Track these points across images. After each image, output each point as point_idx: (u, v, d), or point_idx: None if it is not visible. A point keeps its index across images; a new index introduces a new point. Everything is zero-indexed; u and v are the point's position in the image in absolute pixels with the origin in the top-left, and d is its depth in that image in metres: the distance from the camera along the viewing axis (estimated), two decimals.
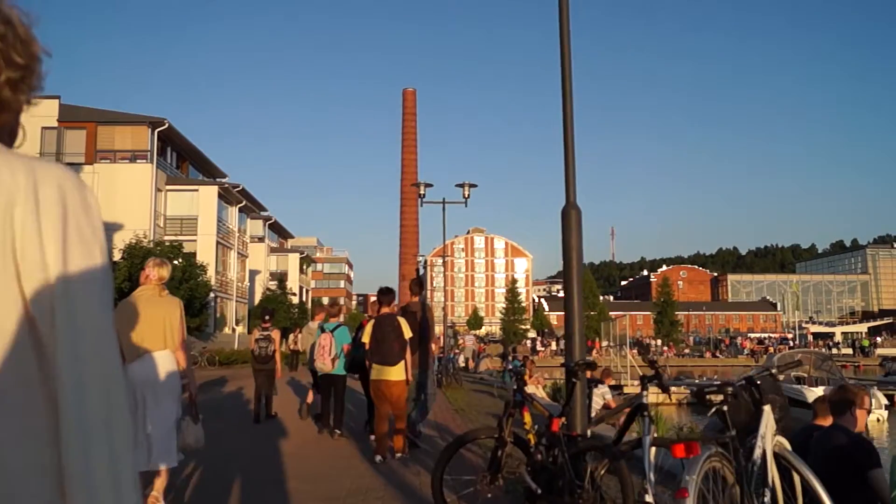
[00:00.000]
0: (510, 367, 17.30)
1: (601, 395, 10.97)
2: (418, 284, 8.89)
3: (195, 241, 36.91)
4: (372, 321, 7.59)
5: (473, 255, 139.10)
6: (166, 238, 33.18)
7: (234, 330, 40.86)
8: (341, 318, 9.81)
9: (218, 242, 38.47)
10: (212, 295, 36.59)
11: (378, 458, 7.16)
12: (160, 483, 4.83)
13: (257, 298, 48.70)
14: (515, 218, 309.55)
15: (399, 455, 7.37)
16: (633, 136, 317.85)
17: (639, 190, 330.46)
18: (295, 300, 53.85)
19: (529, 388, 16.82)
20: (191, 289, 28.60)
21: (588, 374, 8.38)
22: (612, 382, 11.28)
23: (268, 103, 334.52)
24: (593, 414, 10.03)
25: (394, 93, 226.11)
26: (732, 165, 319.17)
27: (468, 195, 19.69)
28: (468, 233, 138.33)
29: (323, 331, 9.06)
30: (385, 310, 7.57)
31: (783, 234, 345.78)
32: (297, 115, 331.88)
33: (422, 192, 19.82)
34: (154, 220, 34.78)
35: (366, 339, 7.48)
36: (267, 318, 11.73)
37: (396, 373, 7.22)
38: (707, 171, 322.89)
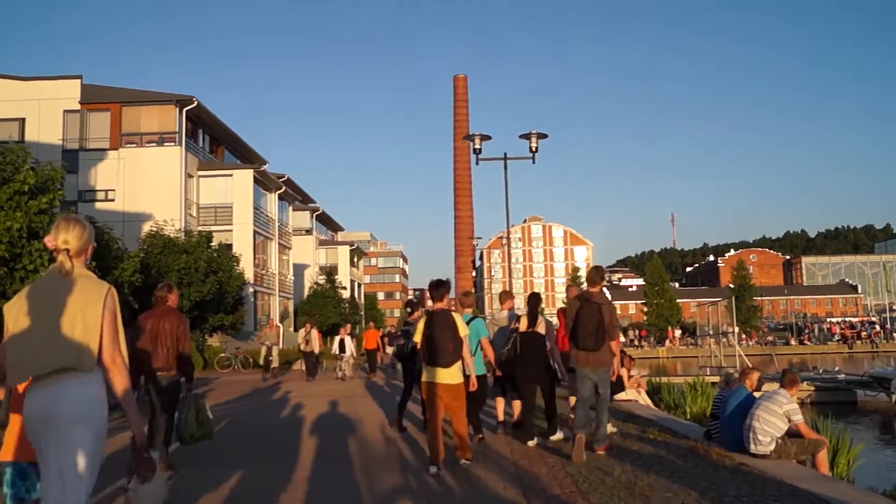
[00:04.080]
0: None
1: (784, 415, 6.77)
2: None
3: (230, 230, 33.85)
4: (424, 318, 6.92)
5: (531, 244, 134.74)
6: (199, 228, 30.10)
7: (279, 326, 37.78)
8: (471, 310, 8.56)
9: (255, 232, 35.29)
10: (250, 290, 33.48)
11: (433, 468, 6.56)
12: None
13: (305, 294, 45.76)
14: (575, 205, 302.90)
15: (465, 462, 6.72)
16: (691, 119, 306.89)
17: (698, 174, 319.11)
18: (345, 294, 50.78)
19: (628, 394, 12.69)
20: (220, 281, 25.29)
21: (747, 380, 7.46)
22: (796, 393, 6.98)
23: (317, 93, 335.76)
24: (768, 447, 6.44)
25: (445, 79, 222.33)
26: (794, 145, 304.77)
27: (536, 148, 15.66)
28: (524, 222, 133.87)
29: None
30: (438, 304, 6.93)
31: (854, 215, 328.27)
32: (346, 105, 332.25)
33: (477, 145, 15.85)
34: (185, 208, 31.79)
35: (417, 337, 6.90)
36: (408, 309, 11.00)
37: (452, 375, 6.64)
38: (768, 152, 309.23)
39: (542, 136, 15.60)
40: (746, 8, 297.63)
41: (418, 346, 6.85)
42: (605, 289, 7.77)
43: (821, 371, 26.43)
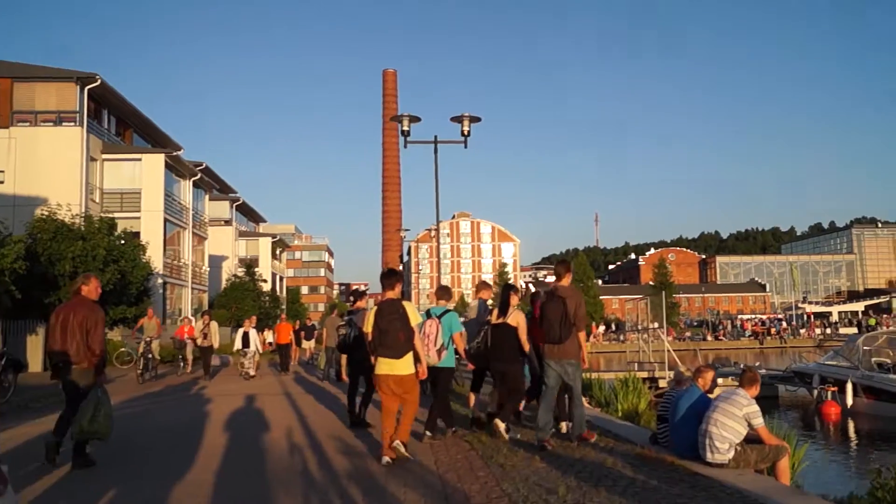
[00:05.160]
0: None
1: (743, 418, 5.99)
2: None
3: (138, 217, 31.50)
4: (374, 308, 6.75)
5: (459, 240, 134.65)
6: (102, 214, 27.70)
7: (191, 320, 35.47)
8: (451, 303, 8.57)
9: (167, 220, 33.00)
10: (159, 280, 31.26)
11: (385, 459, 6.42)
12: None
13: (222, 286, 43.52)
14: (501, 202, 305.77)
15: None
16: (613, 122, 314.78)
17: (620, 175, 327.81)
18: (266, 287, 48.69)
19: None
20: (122, 270, 23.24)
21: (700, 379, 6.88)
22: (755, 394, 6.20)
23: (244, 85, 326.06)
24: (727, 454, 6.06)
25: (374, 73, 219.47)
26: (710, 152, 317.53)
27: (468, 132, 14.65)
28: (453, 217, 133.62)
29: (429, 316, 7.90)
30: (389, 294, 6.73)
31: (763, 218, 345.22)
32: (274, 96, 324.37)
33: (405, 127, 14.68)
34: (86, 193, 29.26)
35: (367, 327, 6.70)
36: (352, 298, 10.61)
37: (403, 366, 6.49)
38: (684, 155, 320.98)
39: (474, 119, 14.58)
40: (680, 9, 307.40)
41: (369, 337, 6.64)
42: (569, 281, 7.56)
43: (741, 366, 26.64)
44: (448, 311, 8.08)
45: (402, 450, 6.56)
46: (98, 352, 6.63)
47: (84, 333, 6.50)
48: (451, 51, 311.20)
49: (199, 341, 18.64)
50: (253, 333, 18.31)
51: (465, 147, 15.01)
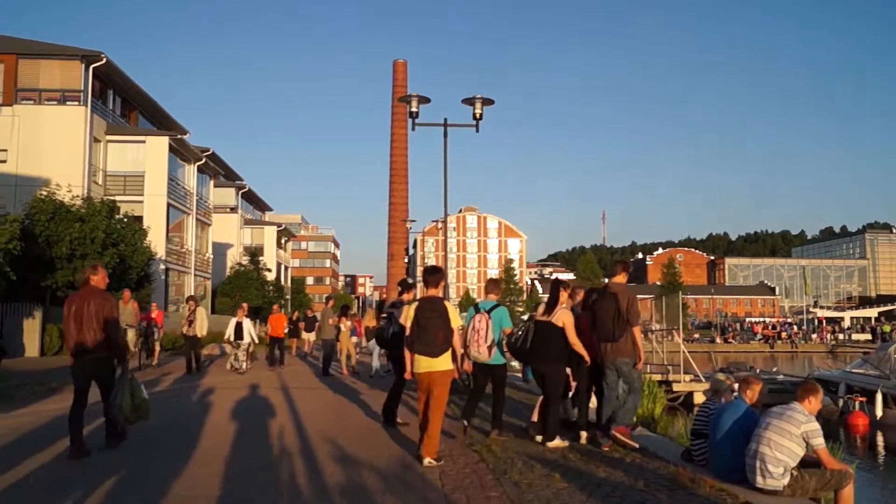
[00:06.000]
0: None
1: (801, 437, 5.18)
2: None
3: (141, 201, 30.78)
4: (414, 303, 6.55)
5: (465, 234, 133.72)
6: (105, 197, 26.97)
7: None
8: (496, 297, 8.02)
9: (170, 205, 32.29)
10: (161, 266, 30.60)
11: (427, 460, 6.19)
12: None
13: (226, 274, 42.85)
14: (509, 198, 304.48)
15: (429, 462, 6.21)
16: (624, 121, 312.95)
17: (628, 174, 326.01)
18: (271, 277, 48.02)
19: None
20: (121, 254, 22.53)
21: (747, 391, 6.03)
22: (816, 406, 5.39)
23: (257, 79, 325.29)
24: (781, 480, 5.26)
25: (384, 64, 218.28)
26: (721, 152, 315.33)
27: (480, 115, 13.84)
28: (460, 211, 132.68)
29: (477, 310, 7.69)
30: (432, 291, 6.58)
31: (772, 221, 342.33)
32: (285, 87, 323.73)
33: (414, 108, 13.86)
34: (89, 174, 28.58)
35: (406, 323, 6.54)
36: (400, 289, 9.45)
37: (440, 364, 6.31)
38: (694, 156, 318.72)
39: (487, 101, 13.78)
40: (691, 4, 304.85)
41: (406, 332, 6.51)
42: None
43: (758, 371, 25.75)
44: (498, 305, 7.77)
45: (432, 463, 6.26)
46: (116, 340, 6.68)
47: (100, 323, 6.46)
48: (459, 46, 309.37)
49: (184, 329, 16.51)
50: (247, 323, 16.89)
51: (477, 131, 14.15)
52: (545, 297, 8.81)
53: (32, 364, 18.21)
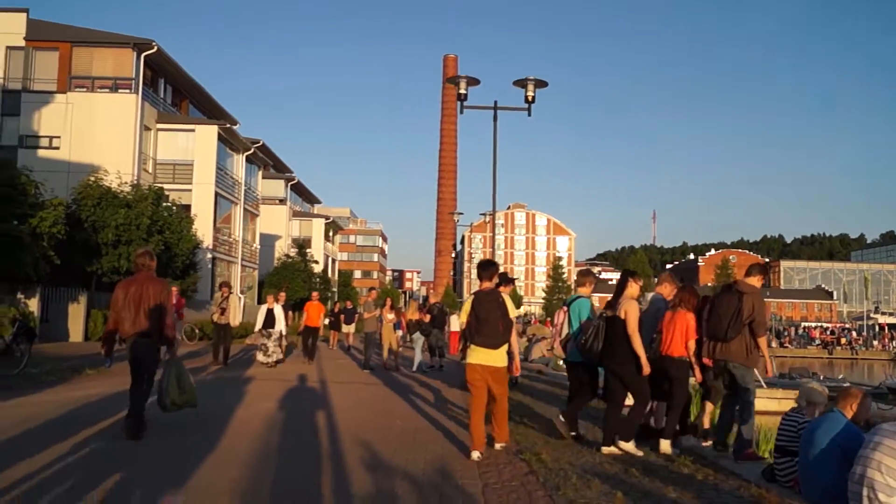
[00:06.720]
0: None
1: None
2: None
3: (190, 190, 30.87)
4: (471, 296, 6.60)
5: (514, 231, 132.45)
6: (155, 185, 27.04)
7: (240, 299, 34.82)
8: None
9: (218, 194, 32.33)
10: (207, 255, 30.65)
11: (475, 454, 6.20)
12: None
13: (273, 265, 42.95)
14: (558, 195, 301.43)
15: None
16: (679, 121, 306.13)
17: (681, 174, 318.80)
18: (318, 269, 48.02)
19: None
20: (167, 242, 22.48)
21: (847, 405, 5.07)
22: None
23: (309, 74, 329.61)
24: None
25: (435, 60, 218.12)
26: (776, 151, 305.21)
27: (533, 97, 13.01)
28: (508, 208, 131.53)
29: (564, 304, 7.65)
30: (487, 284, 6.61)
31: (829, 223, 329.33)
32: (336, 80, 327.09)
33: (462, 89, 13.11)
34: (139, 162, 28.76)
35: (463, 317, 6.59)
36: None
37: (500, 357, 6.39)
38: (750, 157, 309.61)
39: (540, 83, 12.95)
40: (744, 8, 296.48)
41: (463, 326, 6.59)
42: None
43: (822, 378, 24.24)
44: (579, 297, 7.56)
45: (500, 445, 6.55)
46: (171, 326, 6.79)
47: (157, 308, 6.56)
48: (510, 46, 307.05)
49: (214, 317, 15.43)
50: (279, 310, 15.47)
51: (529, 115, 13.28)
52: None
53: (76, 349, 18.19)
